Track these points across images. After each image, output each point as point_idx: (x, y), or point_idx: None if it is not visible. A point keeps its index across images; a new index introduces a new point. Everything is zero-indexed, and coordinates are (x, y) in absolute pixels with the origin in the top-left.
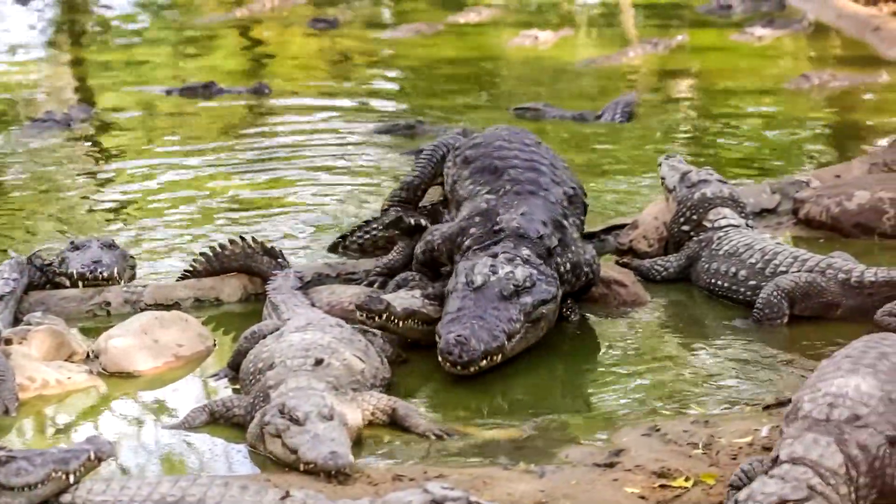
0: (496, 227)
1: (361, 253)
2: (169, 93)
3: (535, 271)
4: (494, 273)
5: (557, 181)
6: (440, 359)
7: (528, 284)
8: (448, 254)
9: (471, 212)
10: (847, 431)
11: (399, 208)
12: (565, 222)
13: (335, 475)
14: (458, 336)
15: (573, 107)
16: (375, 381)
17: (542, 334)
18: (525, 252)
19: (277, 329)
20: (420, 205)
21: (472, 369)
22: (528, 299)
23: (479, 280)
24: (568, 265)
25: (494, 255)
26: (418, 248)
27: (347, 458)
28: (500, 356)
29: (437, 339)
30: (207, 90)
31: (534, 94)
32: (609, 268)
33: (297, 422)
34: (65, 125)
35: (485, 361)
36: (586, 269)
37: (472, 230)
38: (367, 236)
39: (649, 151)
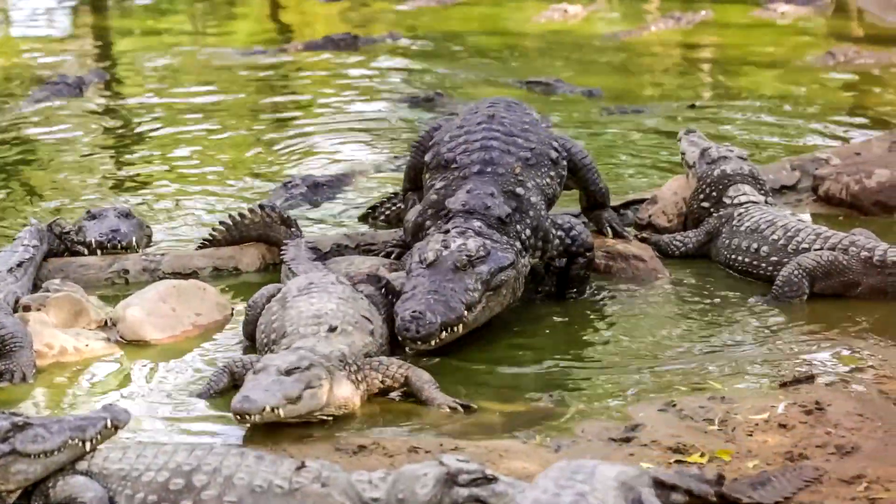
0: (445, 212)
1: (388, 225)
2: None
3: (487, 241)
4: (447, 248)
5: (509, 150)
6: (399, 338)
7: (481, 254)
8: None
9: (424, 206)
10: None
11: (412, 194)
12: (520, 189)
13: (241, 418)
14: (413, 312)
15: (588, 83)
16: (383, 340)
17: (507, 302)
18: (476, 224)
19: (279, 291)
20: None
21: (432, 343)
22: (483, 268)
23: (431, 256)
24: (528, 231)
25: (446, 232)
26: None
27: (254, 405)
28: (460, 327)
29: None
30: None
31: (552, 69)
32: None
33: (255, 371)
34: (76, 89)
35: (445, 333)
36: (559, 234)
37: (427, 223)
38: (394, 208)
39: (661, 126)
